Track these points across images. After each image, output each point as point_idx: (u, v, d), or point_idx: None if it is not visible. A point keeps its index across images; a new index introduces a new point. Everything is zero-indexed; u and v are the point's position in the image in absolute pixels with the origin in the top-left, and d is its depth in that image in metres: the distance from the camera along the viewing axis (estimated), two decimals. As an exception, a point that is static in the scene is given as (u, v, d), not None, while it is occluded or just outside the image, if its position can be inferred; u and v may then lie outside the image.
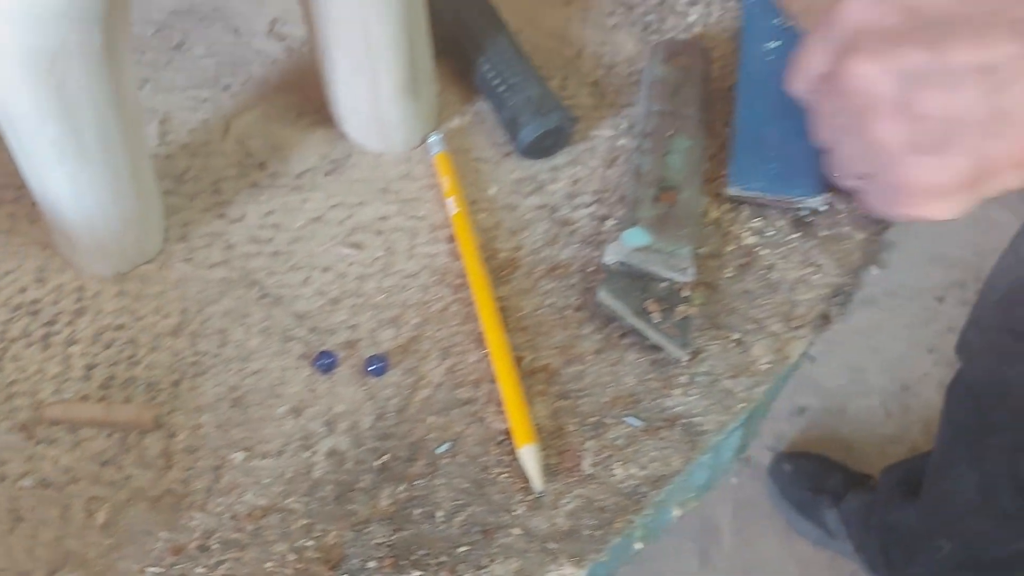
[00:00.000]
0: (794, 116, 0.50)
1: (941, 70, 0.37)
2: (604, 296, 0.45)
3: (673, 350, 0.44)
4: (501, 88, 0.53)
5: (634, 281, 0.46)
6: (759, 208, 0.51)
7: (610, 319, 0.46)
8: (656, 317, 0.45)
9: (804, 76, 0.45)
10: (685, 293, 0.46)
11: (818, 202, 0.49)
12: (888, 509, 1.25)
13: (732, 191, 0.50)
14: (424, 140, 0.54)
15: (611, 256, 0.46)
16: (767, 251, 0.50)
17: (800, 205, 0.49)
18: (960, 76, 0.37)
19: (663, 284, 0.46)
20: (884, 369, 1.61)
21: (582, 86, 0.57)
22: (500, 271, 0.49)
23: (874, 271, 1.80)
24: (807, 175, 0.49)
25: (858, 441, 1.53)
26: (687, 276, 0.46)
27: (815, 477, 1.40)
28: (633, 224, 0.47)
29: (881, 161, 0.41)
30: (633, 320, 0.45)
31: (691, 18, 0.61)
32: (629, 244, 0.46)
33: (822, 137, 0.46)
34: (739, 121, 0.52)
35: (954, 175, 0.39)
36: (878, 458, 1.46)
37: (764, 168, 0.50)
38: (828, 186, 0.49)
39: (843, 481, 1.38)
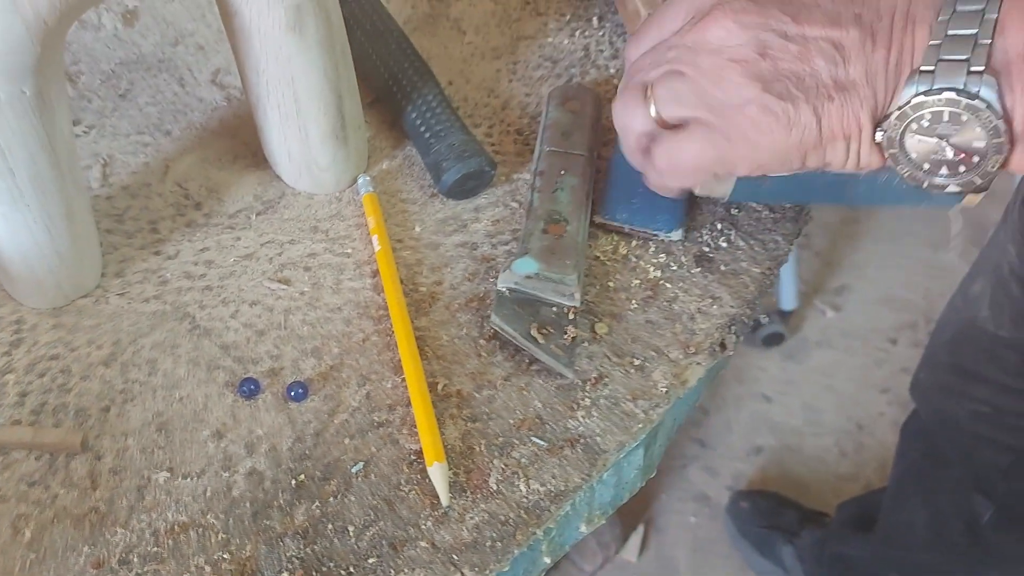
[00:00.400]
0: None
1: (799, 36, 0.42)
2: (495, 320, 0.49)
3: (560, 369, 0.48)
4: (427, 135, 0.57)
5: (524, 306, 0.49)
6: (665, 245, 0.55)
7: (520, 347, 0.50)
8: (542, 339, 0.48)
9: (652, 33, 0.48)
10: (572, 316, 0.49)
11: (675, 235, 0.54)
12: (841, 543, 1.27)
13: (598, 220, 0.55)
14: (354, 181, 0.57)
15: (503, 283, 0.50)
16: (670, 284, 0.53)
17: (659, 237, 0.54)
18: (814, 44, 0.42)
19: (552, 309, 0.50)
20: (839, 409, 1.64)
21: (507, 134, 0.61)
22: (420, 304, 0.52)
23: (830, 313, 1.85)
24: (667, 211, 0.54)
25: (814, 480, 1.56)
26: (573, 301, 0.50)
27: (771, 514, 1.42)
28: (524, 254, 0.51)
29: (718, 112, 0.44)
30: (521, 342, 0.48)
31: (611, 71, 0.66)
32: (519, 272, 0.50)
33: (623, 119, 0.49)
34: (616, 158, 0.56)
35: (796, 126, 0.43)
36: (833, 496, 1.48)
37: (629, 202, 0.55)
38: (685, 221, 0.54)
39: (798, 518, 1.41)
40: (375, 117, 0.62)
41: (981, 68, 0.40)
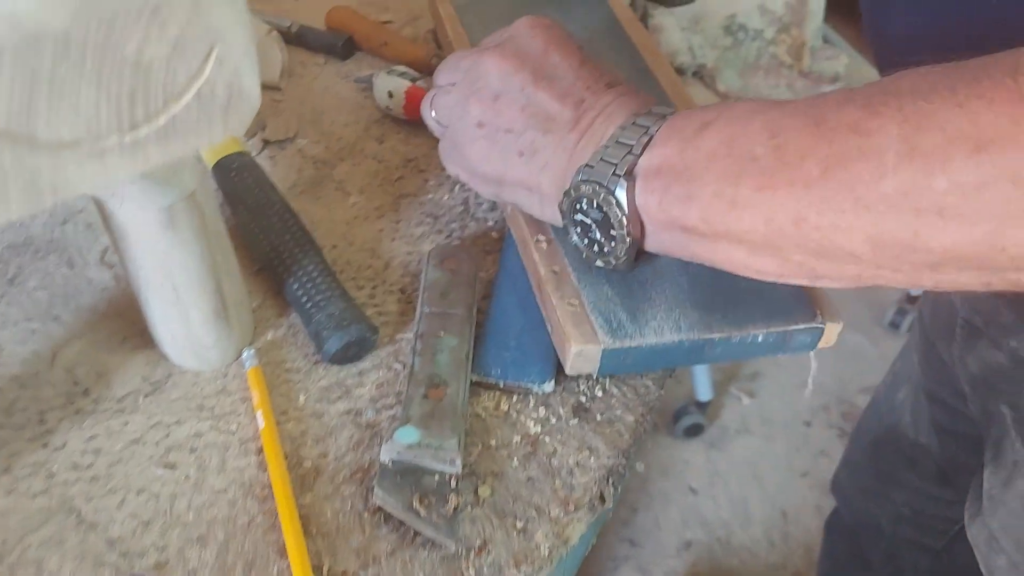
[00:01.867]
0: (534, 308, 0.58)
1: (530, 95, 0.54)
2: (378, 494, 0.50)
3: (442, 540, 0.49)
4: (308, 305, 0.59)
5: (407, 476, 0.51)
6: (544, 397, 0.57)
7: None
8: (423, 511, 0.50)
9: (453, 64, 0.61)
10: (454, 484, 0.51)
11: (547, 387, 0.57)
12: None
13: (474, 378, 0.57)
14: (240, 355, 0.59)
15: (386, 455, 0.51)
16: (549, 438, 0.56)
17: (533, 390, 0.57)
18: (534, 108, 0.54)
19: (435, 477, 0.51)
20: (764, 498, 1.68)
21: (390, 293, 0.64)
22: (305, 478, 0.53)
23: (746, 400, 1.89)
24: (540, 361, 0.57)
25: (745, 571, 1.58)
26: (455, 468, 0.51)
27: (704, 610, 1.44)
28: (406, 422, 0.53)
29: (454, 125, 0.58)
30: (404, 515, 0.49)
31: (490, 223, 0.69)
32: (401, 442, 0.52)
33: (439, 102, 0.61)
34: (491, 312, 0.59)
35: (489, 162, 0.56)
36: (763, 587, 1.50)
37: (503, 356, 0.57)
38: (556, 372, 0.58)
39: (731, 612, 1.42)
40: (261, 285, 0.64)
41: (621, 173, 0.49)
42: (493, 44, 0.58)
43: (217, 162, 0.67)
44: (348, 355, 0.59)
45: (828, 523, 1.21)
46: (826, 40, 1.97)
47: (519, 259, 0.63)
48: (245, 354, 0.59)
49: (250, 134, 0.75)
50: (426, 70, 0.84)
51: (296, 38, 0.85)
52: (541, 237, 0.60)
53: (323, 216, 0.69)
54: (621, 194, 0.49)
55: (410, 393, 0.55)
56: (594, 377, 0.58)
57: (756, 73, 1.85)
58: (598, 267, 0.56)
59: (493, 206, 0.71)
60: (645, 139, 0.49)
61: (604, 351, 0.54)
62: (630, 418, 0.57)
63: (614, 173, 0.49)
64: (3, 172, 0.29)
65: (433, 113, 0.61)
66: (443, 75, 0.61)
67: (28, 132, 0.28)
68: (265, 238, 0.63)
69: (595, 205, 0.51)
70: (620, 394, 0.58)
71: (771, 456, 1.73)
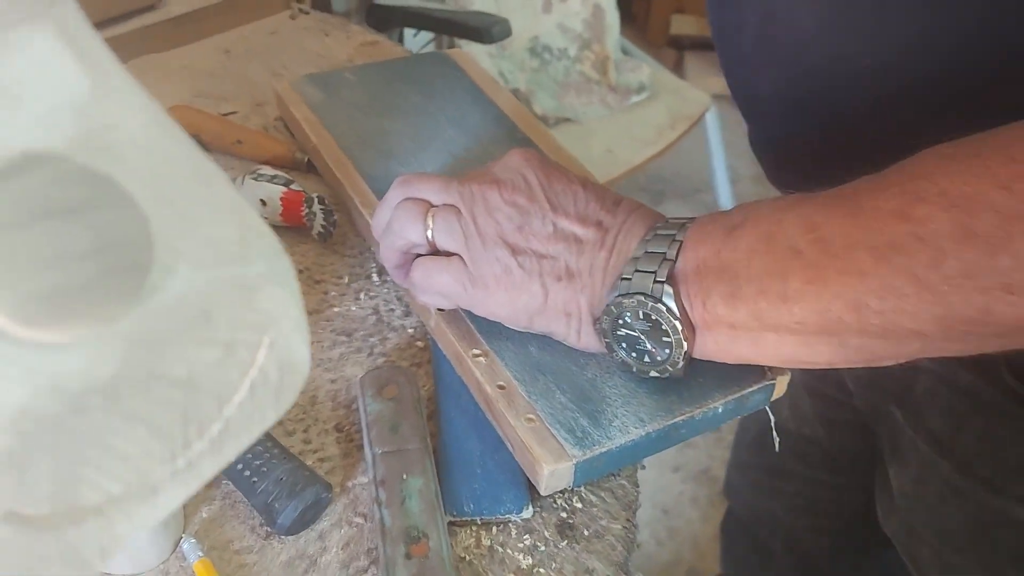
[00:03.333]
0: (487, 427, 0.55)
1: (552, 223, 0.53)
2: None
3: None
4: (247, 473, 0.53)
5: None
6: (525, 523, 0.54)
7: None
8: None
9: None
10: None
11: (526, 514, 0.54)
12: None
13: (448, 518, 0.53)
14: (177, 546, 0.52)
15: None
16: (544, 569, 0.52)
17: (510, 519, 0.54)
18: (561, 233, 0.52)
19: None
20: (643, 498, 1.72)
21: (326, 434, 0.58)
22: None
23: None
24: (512, 487, 0.54)
25: (644, 572, 1.61)
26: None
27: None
28: (394, 590, 0.48)
29: (474, 258, 0.54)
30: None
31: (410, 331, 0.65)
32: None
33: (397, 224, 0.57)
34: (443, 438, 0.56)
35: (525, 292, 0.53)
36: (664, 588, 1.54)
37: (471, 489, 0.54)
38: (530, 495, 0.54)
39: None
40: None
41: (663, 279, 0.48)
42: (489, 178, 0.55)
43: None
44: (304, 520, 0.53)
45: (723, 525, 1.24)
46: (625, 52, 2.03)
47: (454, 371, 0.59)
48: (185, 545, 0.51)
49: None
50: (290, 165, 0.78)
51: (135, 146, 0.76)
52: (477, 351, 0.57)
53: (225, 355, 0.62)
54: (669, 300, 0.49)
55: (389, 555, 0.50)
56: (570, 488, 0.56)
57: (568, 92, 1.87)
58: (653, 376, 0.54)
59: (407, 311, 0.66)
60: (676, 245, 0.49)
61: (576, 464, 0.51)
62: (617, 527, 0.55)
63: (656, 280, 0.49)
64: (46, 560, 0.22)
65: (430, 234, 0.55)
66: (437, 185, 0.56)
67: (70, 504, 0.22)
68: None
69: (641, 316, 0.50)
70: (600, 501, 0.56)
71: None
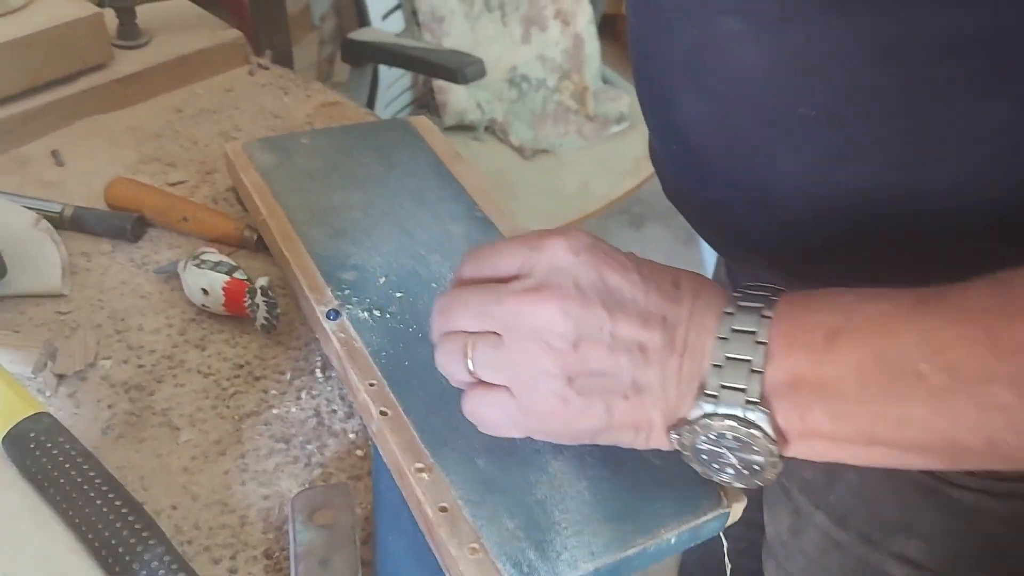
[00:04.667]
0: (427, 552, 0.52)
1: (611, 334, 0.46)
2: None
3: None
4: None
5: None
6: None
7: None
8: None
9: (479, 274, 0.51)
10: None
11: None
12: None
13: None
14: None
15: None
16: None
17: None
18: (623, 343, 0.46)
19: None
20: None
21: (254, 562, 0.54)
22: None
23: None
24: None
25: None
26: None
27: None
28: None
29: (522, 388, 0.48)
30: None
31: (351, 436, 0.61)
32: None
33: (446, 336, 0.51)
34: (379, 565, 0.52)
35: (587, 417, 0.47)
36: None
37: None
38: None
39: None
40: (95, 582, 0.53)
41: (756, 399, 0.43)
42: (534, 286, 0.47)
43: (7, 433, 0.55)
44: (224, 666, 0.49)
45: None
46: (606, 81, 2.00)
47: (395, 483, 0.56)
48: None
49: (37, 369, 0.62)
50: (237, 244, 0.74)
51: (72, 223, 0.72)
52: (419, 465, 0.53)
53: (152, 466, 0.58)
54: (764, 423, 0.44)
55: None
56: None
57: (545, 122, 1.84)
58: (722, 481, 0.49)
59: (350, 411, 0.63)
60: (761, 348, 0.43)
61: None
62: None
63: (748, 401, 0.44)
64: None
65: (471, 364, 0.49)
66: (475, 306, 0.50)
67: None
68: (91, 532, 0.51)
69: (729, 437, 0.45)
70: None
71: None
